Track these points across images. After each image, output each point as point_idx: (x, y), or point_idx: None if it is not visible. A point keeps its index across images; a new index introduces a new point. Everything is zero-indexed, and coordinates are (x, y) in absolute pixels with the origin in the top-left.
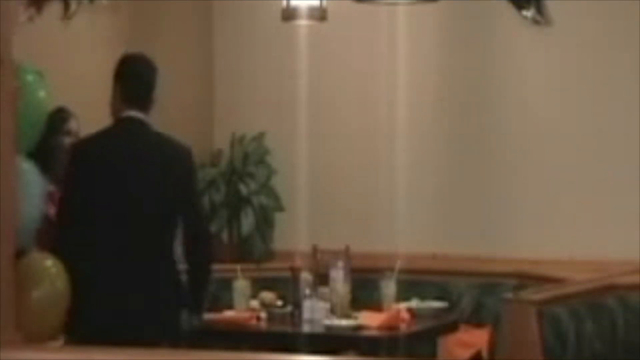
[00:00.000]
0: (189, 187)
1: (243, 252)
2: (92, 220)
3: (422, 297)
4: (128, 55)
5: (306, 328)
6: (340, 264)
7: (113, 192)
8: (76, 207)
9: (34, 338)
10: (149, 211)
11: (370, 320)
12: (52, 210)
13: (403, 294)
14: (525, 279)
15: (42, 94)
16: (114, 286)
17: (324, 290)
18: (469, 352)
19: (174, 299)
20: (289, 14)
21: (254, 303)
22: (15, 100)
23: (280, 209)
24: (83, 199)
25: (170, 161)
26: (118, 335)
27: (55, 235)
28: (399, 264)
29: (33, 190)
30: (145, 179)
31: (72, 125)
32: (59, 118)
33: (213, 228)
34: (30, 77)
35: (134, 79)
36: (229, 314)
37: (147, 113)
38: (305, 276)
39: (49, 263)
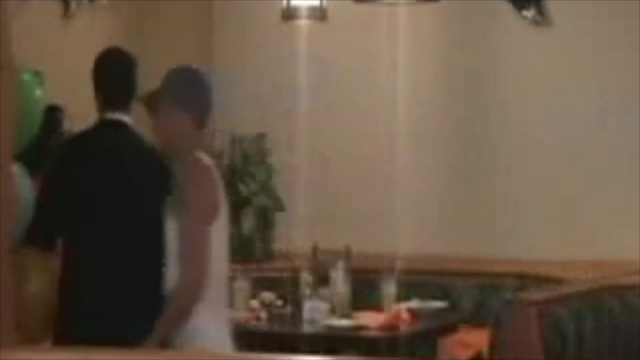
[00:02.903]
0: (164, 194)
1: (243, 252)
2: (68, 221)
3: (422, 297)
4: (104, 53)
5: (306, 328)
6: (341, 264)
7: (90, 195)
8: (51, 207)
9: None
10: (125, 216)
11: (370, 320)
12: None
13: (403, 294)
14: (526, 279)
15: (38, 92)
16: (93, 287)
17: (324, 290)
18: (469, 353)
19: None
20: (289, 14)
21: (254, 303)
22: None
23: (280, 209)
24: (59, 199)
25: (147, 167)
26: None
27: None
28: (399, 265)
29: (21, 193)
30: (122, 182)
31: (66, 126)
32: (53, 119)
33: None
34: (26, 77)
35: (110, 80)
36: (229, 314)
37: (128, 112)
38: (305, 276)
39: (36, 262)
